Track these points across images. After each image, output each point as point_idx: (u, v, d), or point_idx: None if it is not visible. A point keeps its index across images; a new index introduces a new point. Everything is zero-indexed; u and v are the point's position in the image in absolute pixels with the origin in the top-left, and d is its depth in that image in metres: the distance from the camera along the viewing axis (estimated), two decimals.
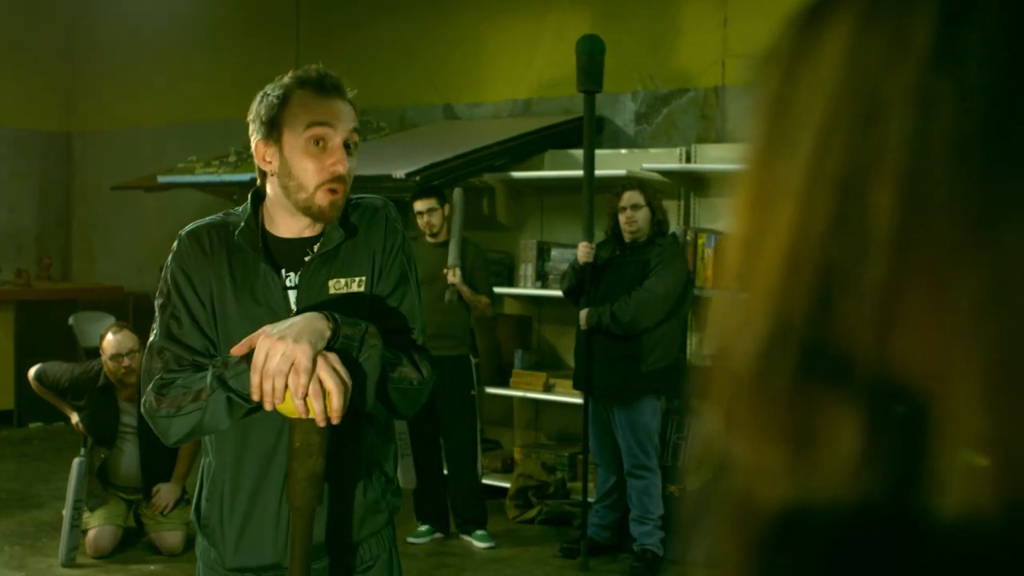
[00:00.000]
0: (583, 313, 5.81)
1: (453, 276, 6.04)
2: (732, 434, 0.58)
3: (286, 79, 2.37)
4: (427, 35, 8.30)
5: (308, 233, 2.39)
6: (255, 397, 2.11)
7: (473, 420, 6.29)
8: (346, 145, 2.33)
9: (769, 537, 0.56)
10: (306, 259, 2.37)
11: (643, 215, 5.75)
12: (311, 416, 2.11)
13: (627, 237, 5.81)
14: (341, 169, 2.30)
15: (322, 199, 2.30)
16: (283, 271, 2.37)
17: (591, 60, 5.77)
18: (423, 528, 6.31)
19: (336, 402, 2.09)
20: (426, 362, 2.36)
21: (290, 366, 2.07)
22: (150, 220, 10.15)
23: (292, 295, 2.35)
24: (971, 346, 0.50)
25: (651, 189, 5.94)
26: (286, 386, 2.09)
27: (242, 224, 2.37)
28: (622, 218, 5.78)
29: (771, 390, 0.55)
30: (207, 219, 2.45)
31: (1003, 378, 0.50)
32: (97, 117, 10.72)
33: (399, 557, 2.54)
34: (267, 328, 2.14)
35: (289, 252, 2.39)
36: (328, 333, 2.14)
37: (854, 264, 0.52)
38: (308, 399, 2.09)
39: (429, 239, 6.23)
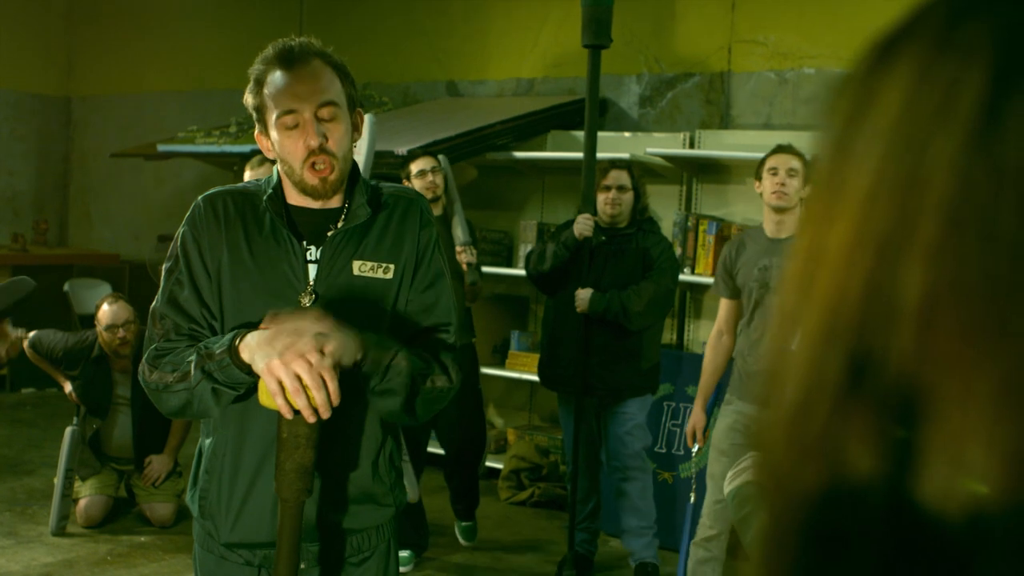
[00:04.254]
0: (585, 294, 5.12)
1: (470, 256, 5.39)
2: (773, 465, 0.60)
3: (258, 61, 2.31)
4: (432, 10, 8.24)
5: (326, 204, 2.35)
6: (259, 369, 2.08)
7: (482, 413, 5.87)
8: (320, 118, 2.27)
9: (804, 546, 0.58)
10: (329, 233, 2.32)
11: (628, 199, 5.24)
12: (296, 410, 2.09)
13: (605, 219, 5.25)
14: (313, 142, 2.25)
15: (310, 177, 2.27)
16: (304, 243, 2.32)
17: (597, 8, 5.00)
18: (404, 555, 5.39)
19: (319, 397, 2.04)
20: (455, 365, 2.33)
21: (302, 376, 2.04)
22: (148, 188, 10.11)
23: (312, 269, 2.30)
24: (988, 436, 0.49)
25: (637, 173, 5.41)
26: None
27: (269, 190, 2.33)
28: (603, 197, 5.24)
29: (806, 435, 0.56)
30: (227, 186, 2.42)
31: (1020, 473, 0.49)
32: (97, 82, 10.65)
33: (397, 547, 2.52)
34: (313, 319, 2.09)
35: (312, 224, 2.34)
36: (359, 357, 2.13)
37: (883, 334, 0.52)
38: (289, 396, 2.05)
39: None
